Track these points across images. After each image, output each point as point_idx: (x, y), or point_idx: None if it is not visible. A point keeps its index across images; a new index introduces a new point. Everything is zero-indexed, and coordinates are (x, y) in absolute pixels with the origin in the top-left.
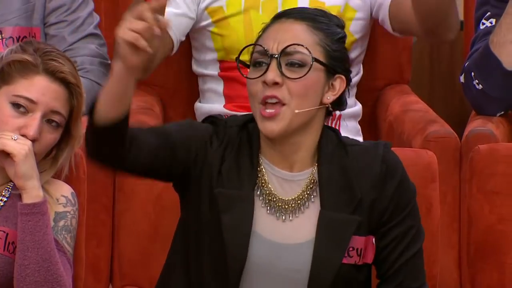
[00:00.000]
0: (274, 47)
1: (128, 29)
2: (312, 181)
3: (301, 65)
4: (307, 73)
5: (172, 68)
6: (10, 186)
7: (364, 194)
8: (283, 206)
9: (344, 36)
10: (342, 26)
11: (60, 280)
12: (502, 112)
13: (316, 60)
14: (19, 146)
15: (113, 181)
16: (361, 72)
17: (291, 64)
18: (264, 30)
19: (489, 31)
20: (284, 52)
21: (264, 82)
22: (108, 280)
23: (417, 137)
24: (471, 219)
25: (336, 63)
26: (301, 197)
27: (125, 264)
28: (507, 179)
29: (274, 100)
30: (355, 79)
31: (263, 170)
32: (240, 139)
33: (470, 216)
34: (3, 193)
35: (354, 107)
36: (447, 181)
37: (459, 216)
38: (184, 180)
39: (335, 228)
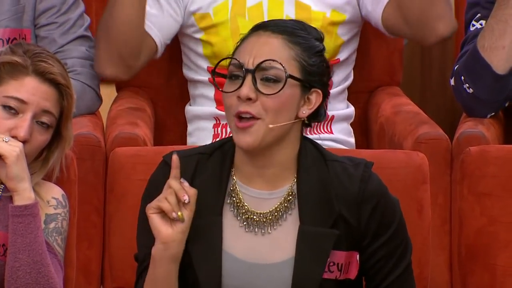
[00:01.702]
0: (249, 62)
1: (155, 207)
2: (291, 193)
3: (276, 80)
4: (281, 89)
5: (163, 70)
6: (0, 188)
7: (342, 210)
8: (261, 220)
9: (323, 49)
10: (321, 38)
11: (51, 282)
12: (493, 113)
13: (290, 76)
14: (10, 148)
15: (104, 182)
16: (352, 77)
17: (266, 80)
18: (242, 41)
19: (479, 33)
20: (259, 68)
21: (239, 97)
22: (99, 282)
23: (408, 139)
24: (462, 220)
25: (312, 77)
26: (278, 209)
27: (116, 266)
28: (498, 181)
29: (248, 115)
30: (345, 84)
31: (237, 189)
32: (209, 164)
33: (461, 217)
34: None
35: (346, 109)
36: (438, 183)
37: (450, 217)
38: None
39: (315, 243)
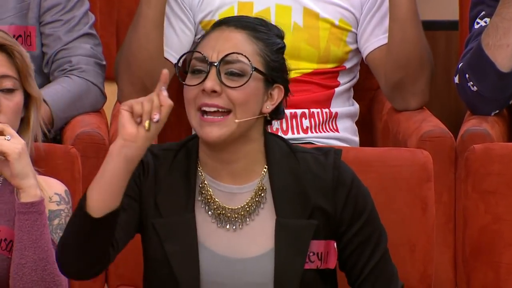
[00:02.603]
0: (213, 55)
1: (129, 105)
2: (261, 187)
3: (240, 74)
4: (246, 82)
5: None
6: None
7: (318, 200)
8: (233, 215)
9: (283, 47)
10: (281, 36)
11: (56, 279)
12: (497, 111)
13: (255, 69)
14: (12, 145)
15: None
16: (357, 77)
17: (230, 73)
18: (203, 37)
19: (483, 30)
20: (224, 61)
21: (203, 90)
22: (103, 280)
23: (412, 137)
24: (466, 218)
25: (275, 73)
26: (250, 204)
27: (121, 264)
28: (502, 179)
29: (213, 109)
30: (351, 82)
31: (206, 186)
32: (176, 162)
33: (465, 215)
34: None
35: (351, 106)
36: (442, 181)
37: (454, 215)
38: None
39: (294, 235)
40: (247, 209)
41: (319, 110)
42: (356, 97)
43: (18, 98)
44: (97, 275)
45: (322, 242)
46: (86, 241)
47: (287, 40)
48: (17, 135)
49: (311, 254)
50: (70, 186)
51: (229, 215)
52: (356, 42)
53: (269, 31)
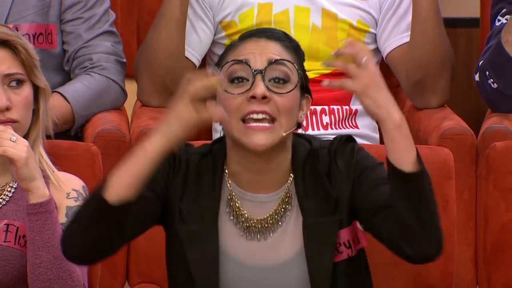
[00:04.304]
0: (257, 62)
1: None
2: (288, 193)
3: (285, 80)
4: (295, 87)
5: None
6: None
7: (336, 191)
8: (263, 225)
9: (304, 58)
10: (299, 47)
11: (73, 276)
12: None
13: (300, 75)
14: (18, 151)
15: None
16: None
17: (275, 80)
18: (233, 49)
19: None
20: (269, 67)
21: (252, 97)
22: (124, 277)
23: (433, 134)
24: (487, 216)
25: (306, 83)
26: (277, 211)
27: (141, 261)
28: None
29: (261, 116)
30: None
31: (234, 197)
32: (202, 167)
33: (486, 213)
34: (10, 184)
35: None
36: (463, 179)
37: (475, 213)
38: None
39: (321, 233)
40: (275, 217)
41: (339, 107)
42: None
43: (26, 91)
44: (98, 261)
45: (346, 229)
46: (93, 224)
47: (305, 41)
48: (18, 136)
49: (339, 245)
50: (91, 183)
51: (259, 226)
52: (375, 42)
53: (292, 42)
